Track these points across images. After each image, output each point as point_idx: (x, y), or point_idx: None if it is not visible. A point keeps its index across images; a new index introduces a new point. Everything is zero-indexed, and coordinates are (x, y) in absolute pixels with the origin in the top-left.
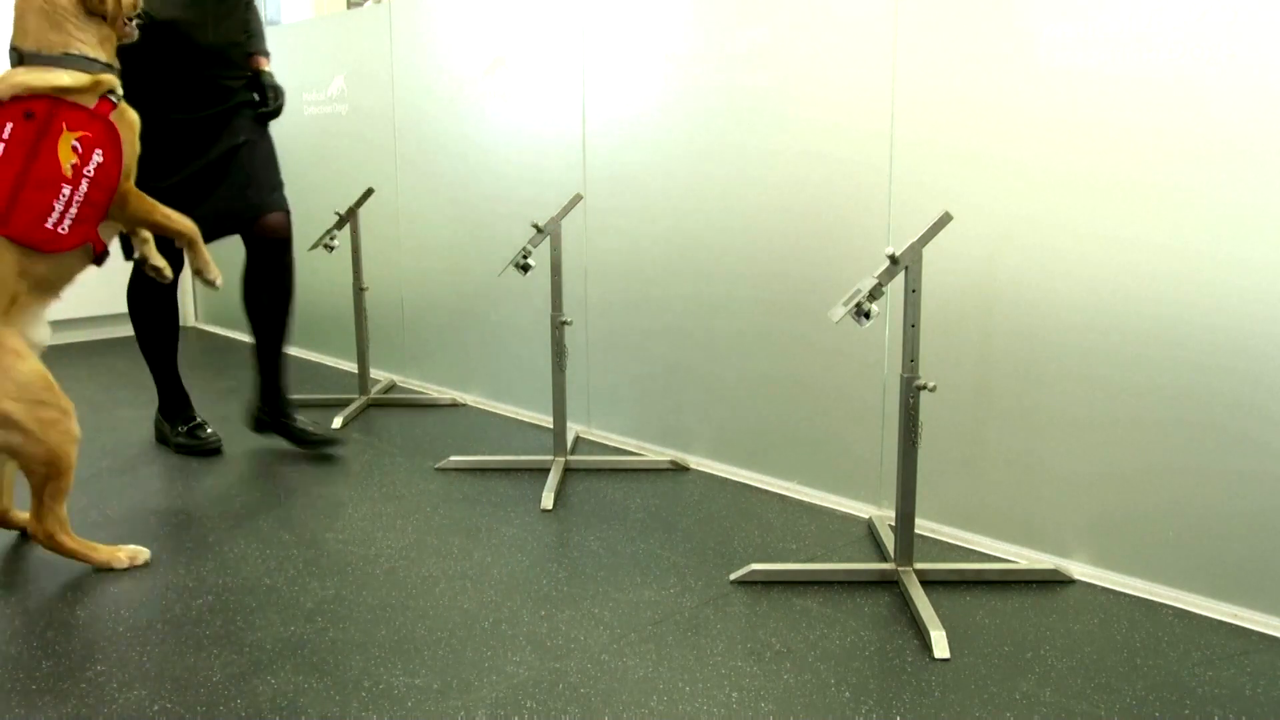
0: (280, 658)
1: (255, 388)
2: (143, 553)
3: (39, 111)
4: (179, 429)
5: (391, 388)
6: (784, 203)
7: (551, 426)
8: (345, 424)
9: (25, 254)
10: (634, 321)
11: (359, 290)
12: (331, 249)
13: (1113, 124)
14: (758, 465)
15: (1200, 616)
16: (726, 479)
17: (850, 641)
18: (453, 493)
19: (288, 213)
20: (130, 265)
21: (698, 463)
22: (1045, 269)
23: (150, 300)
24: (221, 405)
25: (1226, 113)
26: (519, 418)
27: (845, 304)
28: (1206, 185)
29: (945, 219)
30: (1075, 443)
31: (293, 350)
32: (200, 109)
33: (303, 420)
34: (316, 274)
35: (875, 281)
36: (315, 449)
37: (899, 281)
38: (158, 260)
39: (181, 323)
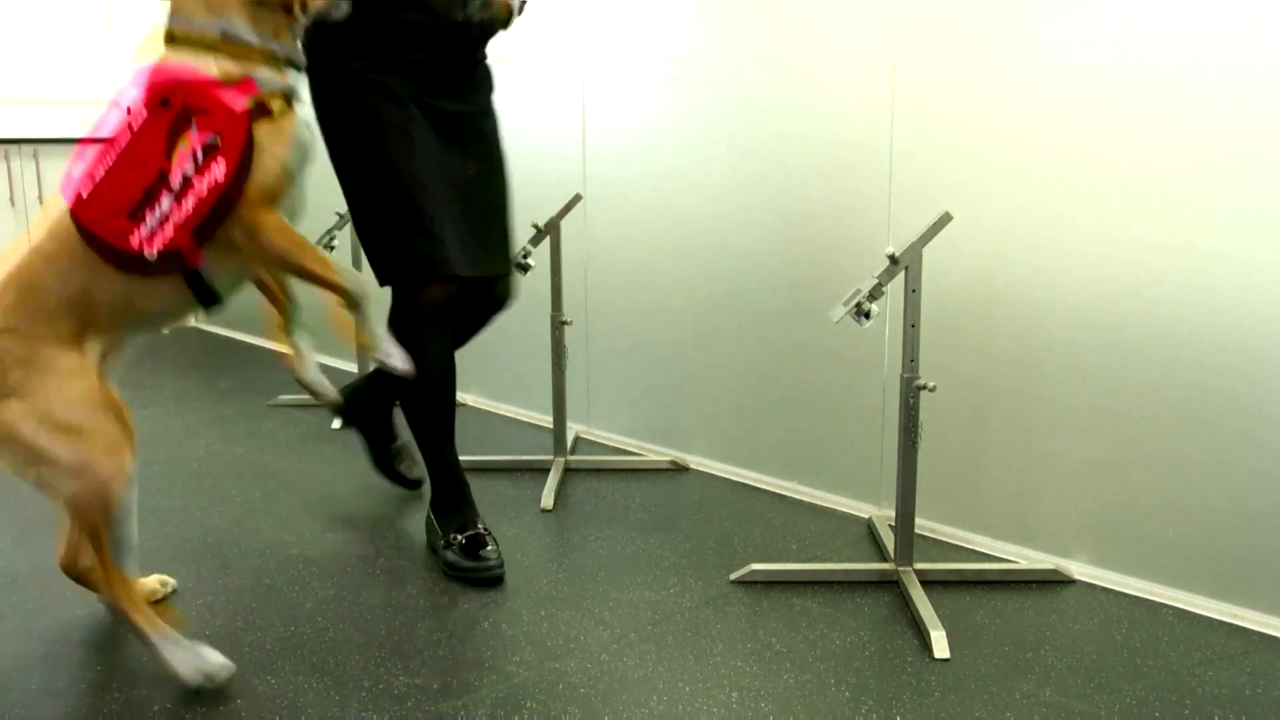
0: (280, 658)
1: (367, 389)
2: (220, 666)
3: (175, 102)
4: (453, 539)
5: None
6: (784, 202)
7: (551, 426)
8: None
9: (106, 273)
10: (634, 321)
11: None
12: (331, 249)
13: (1113, 124)
14: (758, 465)
15: (1200, 616)
16: (726, 479)
17: (850, 641)
18: None
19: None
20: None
21: (698, 463)
22: (1045, 269)
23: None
24: (222, 405)
25: (1226, 112)
26: (519, 418)
27: (845, 304)
28: (1206, 185)
29: (945, 219)
30: (1075, 442)
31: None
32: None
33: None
34: None
35: (875, 281)
36: (402, 484)
37: (899, 281)
38: (309, 372)
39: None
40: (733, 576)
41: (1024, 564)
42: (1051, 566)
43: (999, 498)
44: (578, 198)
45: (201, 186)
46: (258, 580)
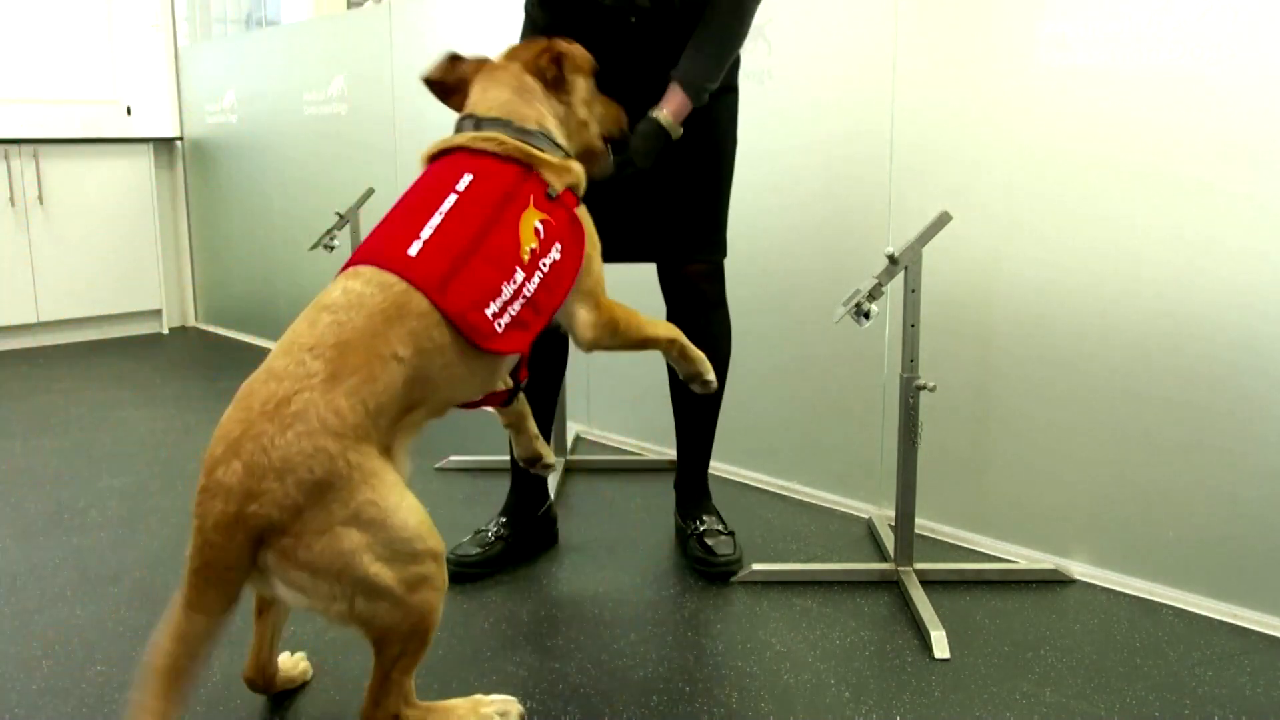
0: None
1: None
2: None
3: (509, 176)
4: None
5: None
6: (783, 202)
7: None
8: None
9: (446, 348)
10: None
11: None
12: (331, 249)
13: (1113, 123)
14: (758, 465)
15: (1200, 616)
16: (726, 478)
17: (850, 641)
18: (453, 493)
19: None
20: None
21: None
22: (1045, 268)
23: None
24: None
25: (1227, 112)
26: None
27: (845, 304)
28: (1207, 185)
29: (945, 219)
30: (1075, 442)
31: None
32: None
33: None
34: (319, 274)
35: (875, 281)
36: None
37: (899, 281)
38: (544, 450)
39: (181, 322)
40: (733, 577)
41: (1024, 564)
42: (1051, 566)
43: (999, 498)
44: None
45: (545, 265)
46: None
